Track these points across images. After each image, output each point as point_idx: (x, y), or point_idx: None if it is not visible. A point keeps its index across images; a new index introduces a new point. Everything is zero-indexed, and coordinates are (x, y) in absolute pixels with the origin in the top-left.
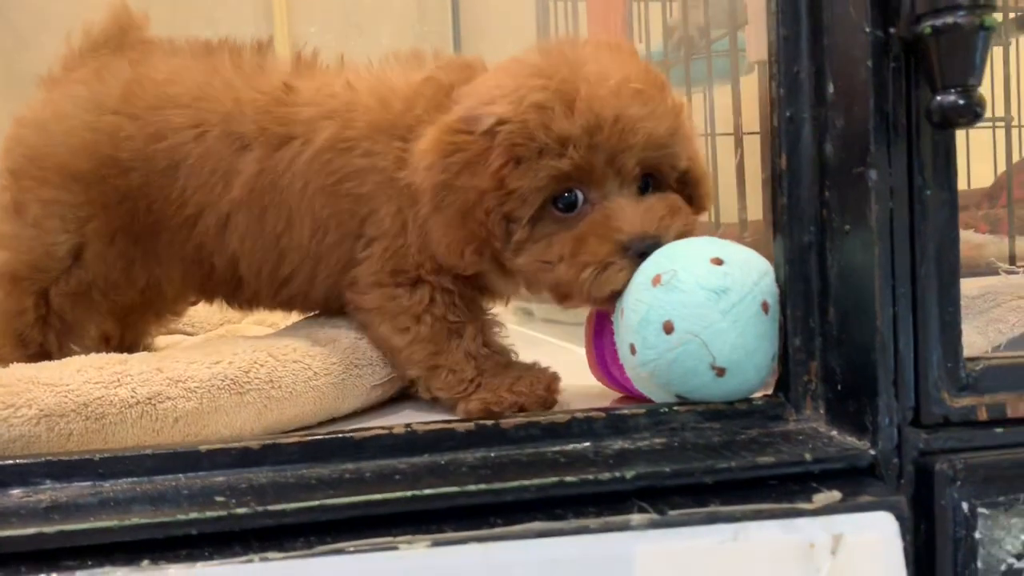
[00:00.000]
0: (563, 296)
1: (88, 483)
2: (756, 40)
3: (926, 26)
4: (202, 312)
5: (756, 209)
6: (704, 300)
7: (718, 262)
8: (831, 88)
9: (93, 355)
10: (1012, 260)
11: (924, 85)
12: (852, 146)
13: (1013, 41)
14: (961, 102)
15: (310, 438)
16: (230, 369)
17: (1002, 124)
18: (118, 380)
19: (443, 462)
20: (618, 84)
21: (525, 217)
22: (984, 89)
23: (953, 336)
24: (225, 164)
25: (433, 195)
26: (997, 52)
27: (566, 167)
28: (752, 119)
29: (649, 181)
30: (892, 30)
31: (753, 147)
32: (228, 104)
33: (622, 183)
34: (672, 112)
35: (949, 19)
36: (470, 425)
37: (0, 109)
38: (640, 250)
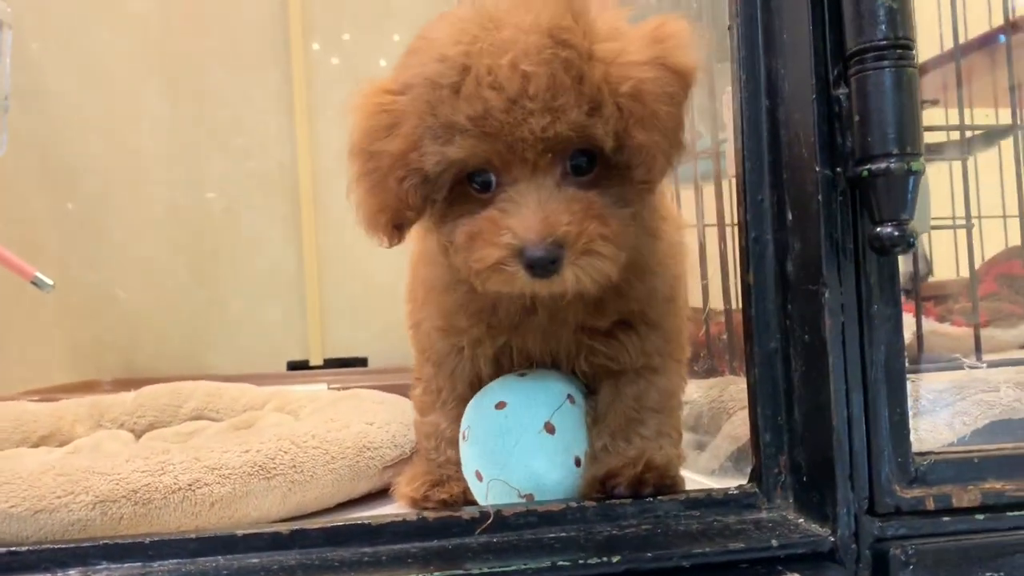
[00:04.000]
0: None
1: (139, 564)
2: (732, 158)
3: (864, 169)
4: (225, 399)
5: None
6: (493, 446)
7: (502, 406)
8: (790, 215)
9: (139, 446)
10: (978, 355)
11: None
12: (808, 266)
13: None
14: (896, 233)
15: (332, 524)
16: (258, 456)
17: (963, 226)
18: (162, 468)
19: (450, 547)
20: (518, 56)
21: (437, 196)
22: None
23: (902, 434)
24: None
25: (357, 160)
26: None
27: (455, 155)
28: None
29: (586, 158)
30: (839, 169)
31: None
32: None
33: (534, 170)
34: (594, 85)
35: (883, 164)
36: (475, 512)
37: (38, 196)
38: (532, 259)
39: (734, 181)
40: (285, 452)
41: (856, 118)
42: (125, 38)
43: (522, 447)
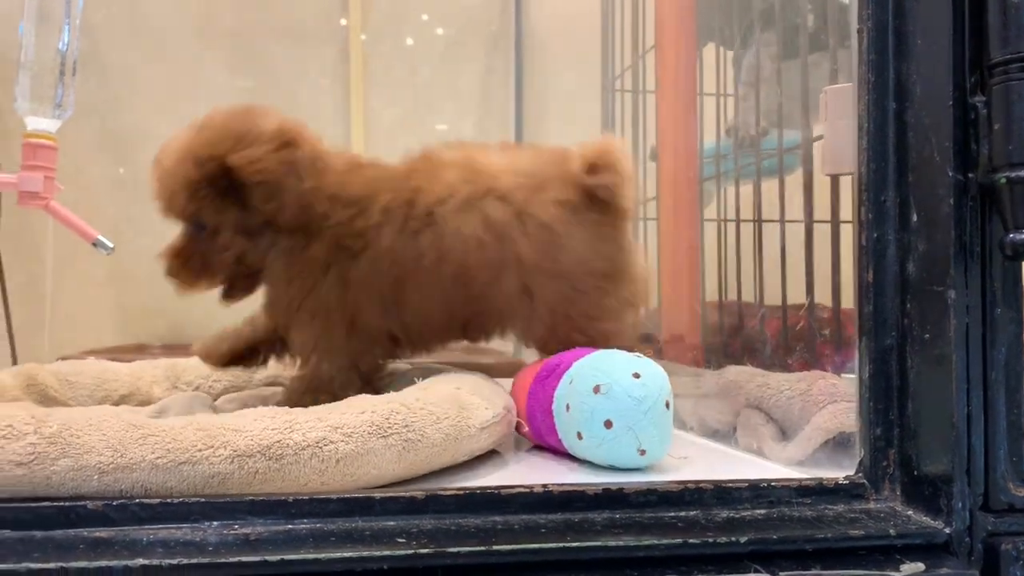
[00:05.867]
0: None
1: (282, 520)
2: (831, 157)
3: (1001, 176)
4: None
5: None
6: (632, 405)
7: (637, 376)
8: (915, 217)
9: (261, 408)
10: None
11: (997, 220)
12: (933, 268)
13: None
14: None
15: (464, 492)
16: (375, 417)
17: None
18: (290, 426)
19: (576, 520)
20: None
21: None
22: None
23: (1018, 434)
24: None
25: None
26: None
27: None
28: (794, 211)
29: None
30: (971, 175)
31: (797, 235)
32: None
33: None
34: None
35: (1022, 172)
36: (598, 489)
37: (95, 162)
38: None
39: (827, 179)
40: (397, 413)
41: (995, 126)
42: (186, 10)
43: (654, 412)
